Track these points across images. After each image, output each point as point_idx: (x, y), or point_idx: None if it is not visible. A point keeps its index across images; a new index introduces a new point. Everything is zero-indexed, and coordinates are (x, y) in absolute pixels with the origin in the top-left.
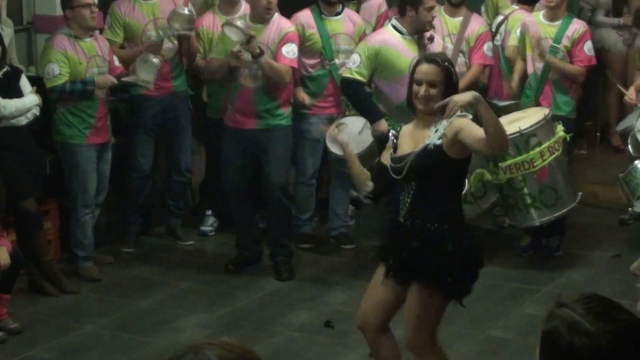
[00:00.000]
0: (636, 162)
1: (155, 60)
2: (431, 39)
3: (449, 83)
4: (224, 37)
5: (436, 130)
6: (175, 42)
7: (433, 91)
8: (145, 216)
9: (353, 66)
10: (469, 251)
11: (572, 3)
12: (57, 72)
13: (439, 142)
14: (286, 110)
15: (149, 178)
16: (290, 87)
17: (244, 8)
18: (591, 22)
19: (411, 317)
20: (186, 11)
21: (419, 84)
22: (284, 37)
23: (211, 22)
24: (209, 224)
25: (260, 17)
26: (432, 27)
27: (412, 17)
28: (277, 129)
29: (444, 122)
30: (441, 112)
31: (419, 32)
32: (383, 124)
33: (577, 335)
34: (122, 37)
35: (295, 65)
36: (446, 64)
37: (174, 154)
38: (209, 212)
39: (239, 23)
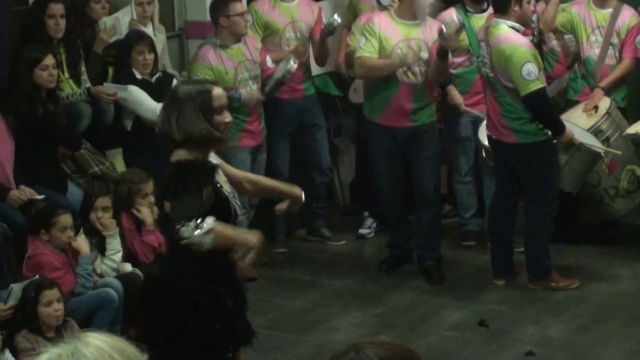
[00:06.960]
0: None
1: (294, 64)
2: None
3: None
4: (386, 37)
5: None
6: (307, 45)
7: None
8: (288, 217)
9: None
10: None
11: None
12: None
13: None
14: (434, 108)
15: (287, 181)
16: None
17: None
18: None
19: None
20: (454, 17)
21: (220, 111)
22: None
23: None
24: (367, 225)
25: (413, 15)
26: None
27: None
28: (429, 126)
29: None
30: None
31: None
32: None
33: None
34: (261, 36)
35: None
36: None
37: (315, 154)
38: (366, 213)
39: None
